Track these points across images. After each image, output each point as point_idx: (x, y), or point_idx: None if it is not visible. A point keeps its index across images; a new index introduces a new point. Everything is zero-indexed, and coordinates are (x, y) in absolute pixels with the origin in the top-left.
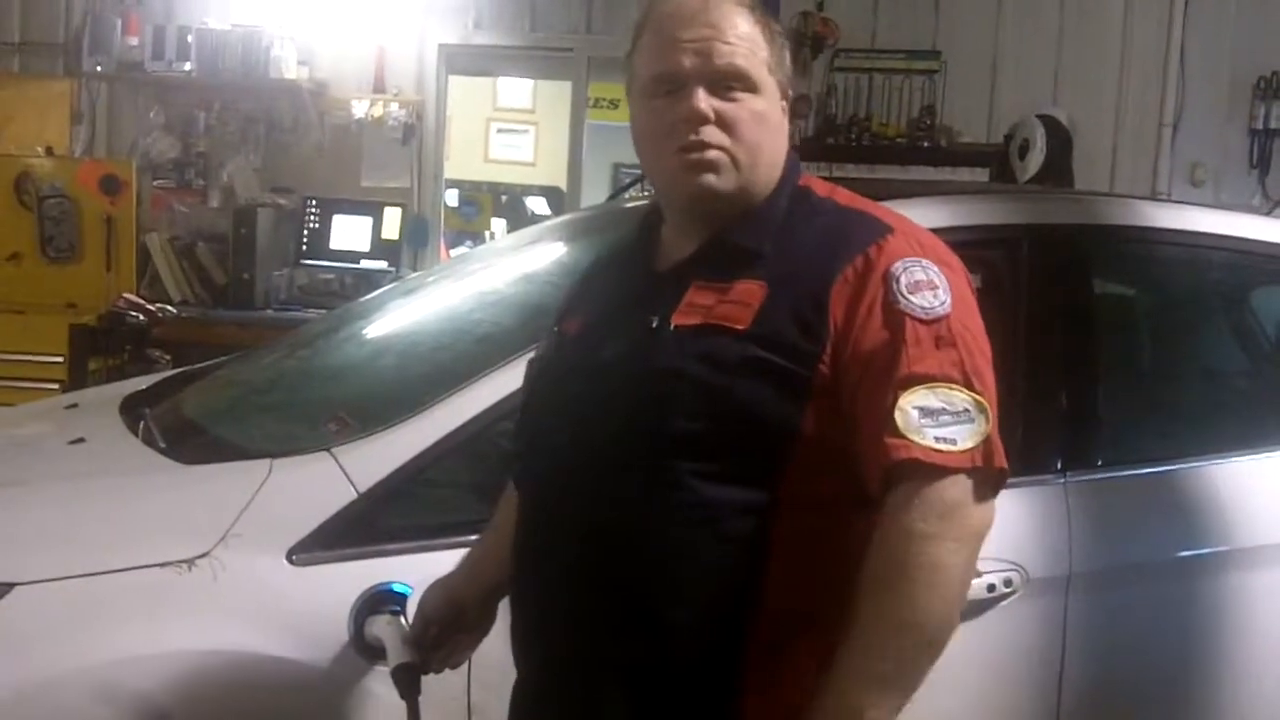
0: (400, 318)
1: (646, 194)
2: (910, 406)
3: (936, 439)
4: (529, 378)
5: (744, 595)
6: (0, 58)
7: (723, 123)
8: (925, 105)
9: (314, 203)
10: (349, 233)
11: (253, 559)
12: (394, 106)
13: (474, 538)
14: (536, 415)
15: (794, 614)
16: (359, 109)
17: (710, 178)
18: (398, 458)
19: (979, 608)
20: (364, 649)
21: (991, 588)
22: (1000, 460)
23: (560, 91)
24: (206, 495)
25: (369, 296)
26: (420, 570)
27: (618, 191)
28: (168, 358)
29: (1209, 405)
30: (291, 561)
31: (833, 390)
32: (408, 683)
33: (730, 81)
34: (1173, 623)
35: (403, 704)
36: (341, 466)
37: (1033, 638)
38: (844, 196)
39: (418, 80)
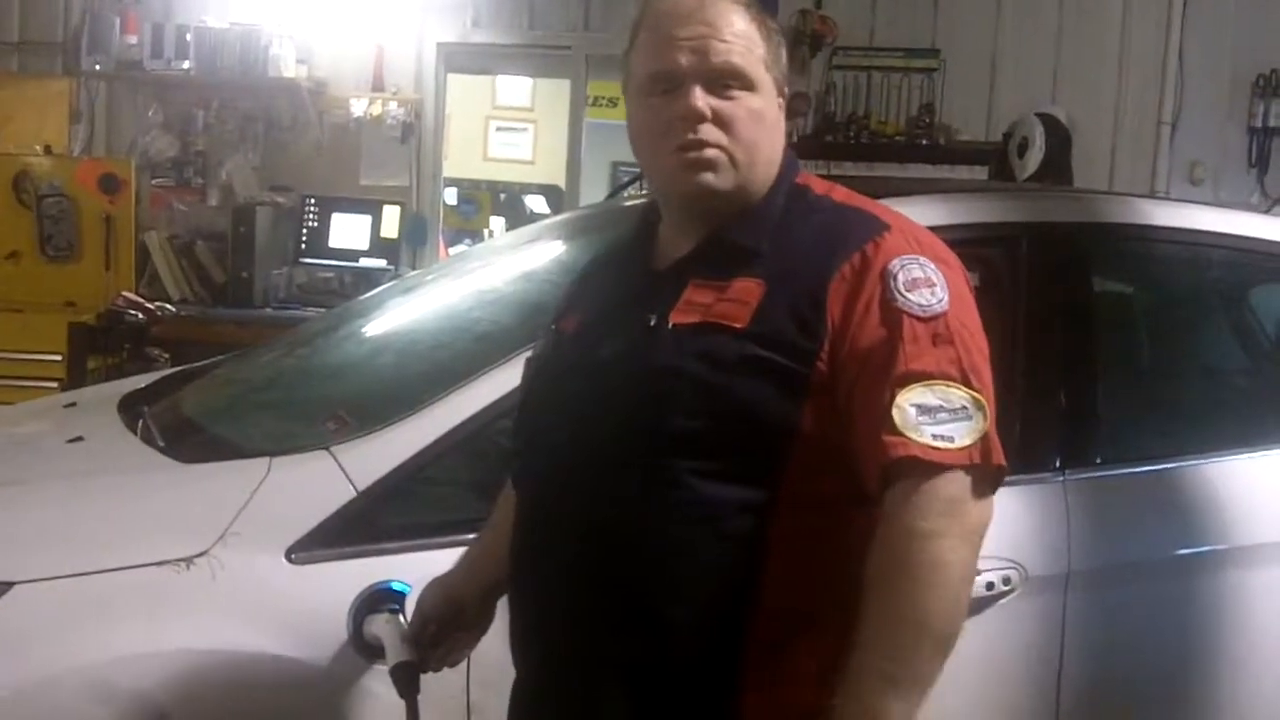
0: (399, 316)
1: (645, 192)
2: (908, 404)
3: (934, 436)
4: (527, 376)
5: (743, 594)
6: None
7: (720, 121)
8: (924, 103)
9: (313, 201)
10: (348, 231)
11: (251, 558)
12: (393, 105)
13: (473, 536)
14: (535, 414)
15: (793, 612)
16: (358, 107)
17: (708, 176)
18: (396, 456)
19: (978, 606)
20: (363, 647)
21: (990, 586)
22: (998, 457)
23: (559, 90)
24: (205, 494)
25: (368, 295)
26: (419, 569)
27: (616, 190)
28: (166, 356)
29: (1208, 403)
30: (290, 560)
31: (831, 388)
32: (406, 681)
33: (727, 79)
34: (1171, 621)
35: (401, 702)
36: (340, 465)
37: (1032, 635)
38: (841, 194)
39: (416, 78)
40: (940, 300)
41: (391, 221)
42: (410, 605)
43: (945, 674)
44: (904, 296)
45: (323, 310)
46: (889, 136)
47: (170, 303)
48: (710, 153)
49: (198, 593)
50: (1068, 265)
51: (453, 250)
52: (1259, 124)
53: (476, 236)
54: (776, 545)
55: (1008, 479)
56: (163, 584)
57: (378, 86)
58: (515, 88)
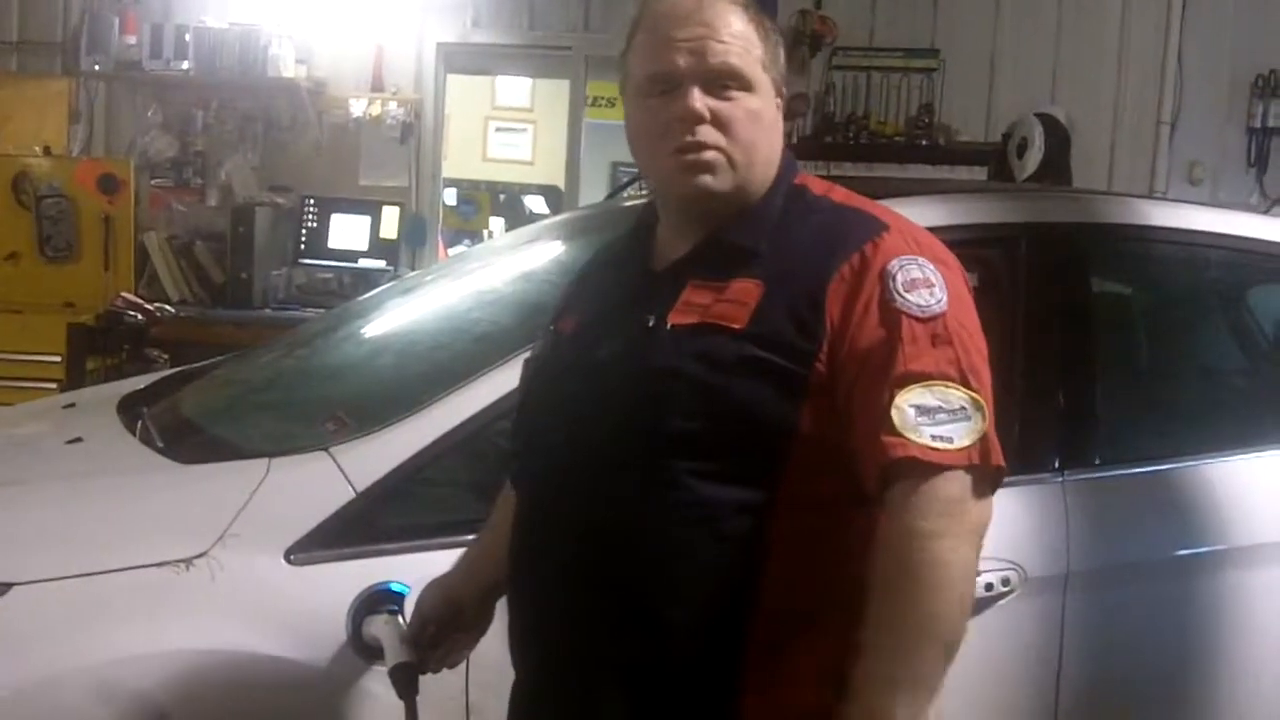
0: (398, 317)
1: (644, 193)
2: (907, 404)
3: (933, 437)
4: (525, 377)
5: (742, 595)
6: None
7: (718, 122)
8: (923, 103)
9: (312, 202)
10: (347, 232)
11: (251, 558)
12: (392, 105)
13: (471, 537)
14: (533, 415)
15: (792, 613)
16: (357, 108)
17: (706, 178)
18: (395, 457)
19: (977, 607)
20: (362, 648)
21: (989, 586)
22: (997, 458)
23: (558, 90)
24: (204, 495)
25: (367, 296)
26: (418, 570)
27: (616, 190)
28: (165, 357)
29: (1206, 404)
30: (289, 561)
31: (830, 389)
32: (405, 682)
33: (725, 80)
34: (1170, 621)
35: (400, 703)
36: (339, 466)
37: (1030, 636)
38: (840, 194)
39: (416, 79)
40: (939, 301)
41: (391, 222)
42: (409, 606)
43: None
44: (903, 297)
45: (322, 311)
46: (888, 137)
47: (169, 303)
48: (708, 155)
49: (197, 594)
50: (1066, 266)
51: (452, 251)
52: (1258, 124)
53: (476, 237)
54: (775, 546)
55: (1006, 480)
56: (162, 585)
57: (377, 87)
58: (515, 88)
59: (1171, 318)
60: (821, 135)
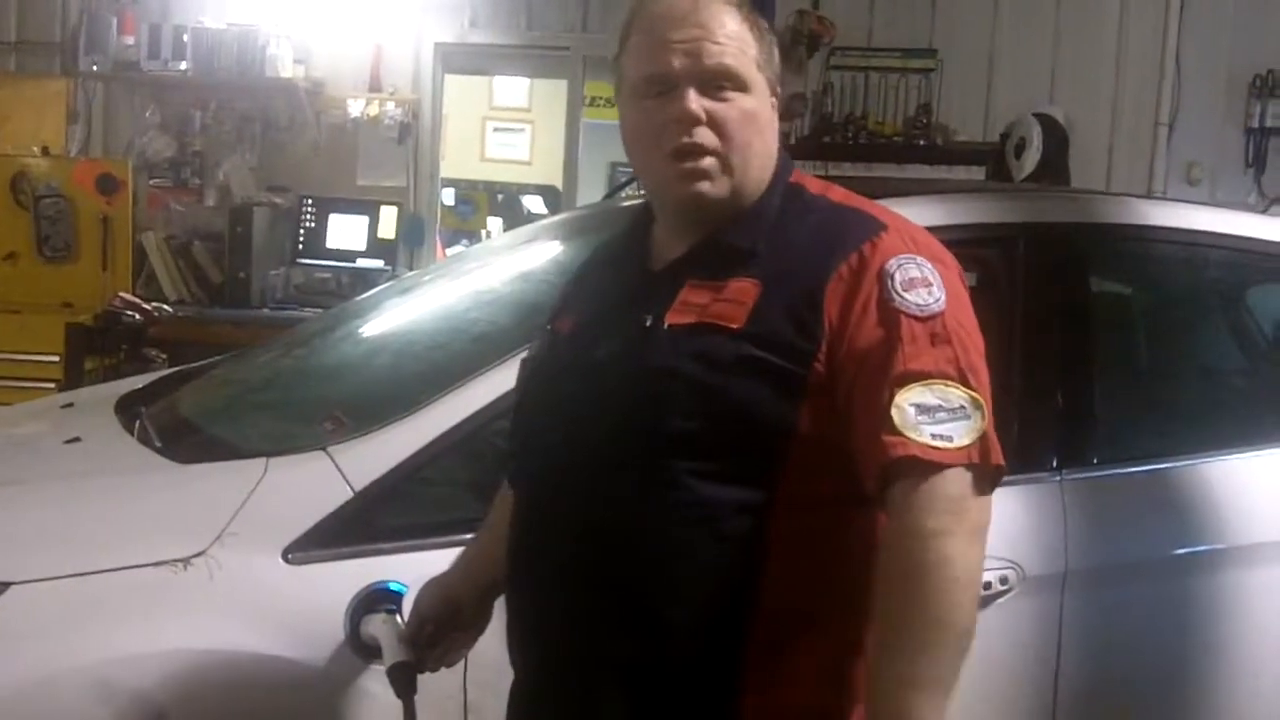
0: (396, 317)
1: (642, 193)
2: (907, 404)
3: (933, 436)
4: (522, 377)
5: (742, 594)
6: None
7: (714, 123)
8: (921, 104)
9: (310, 201)
10: (345, 232)
11: (248, 558)
12: (390, 105)
13: (470, 536)
14: (530, 415)
15: (792, 613)
16: (355, 108)
17: (704, 185)
18: (393, 457)
19: None
20: (360, 648)
21: (988, 586)
22: (997, 457)
23: (556, 90)
24: (202, 494)
25: (365, 295)
26: (416, 569)
27: (613, 190)
28: (164, 357)
29: (1205, 403)
30: (287, 560)
31: (828, 388)
32: (403, 681)
33: (720, 81)
34: (1169, 620)
35: (398, 703)
36: (337, 465)
37: (1029, 635)
38: (837, 194)
39: (414, 79)
40: (937, 300)
41: (389, 222)
42: (407, 605)
43: None
44: (901, 296)
45: (320, 311)
46: (886, 137)
47: (167, 303)
48: (706, 162)
49: (195, 593)
50: (1065, 265)
51: (450, 251)
52: (1256, 124)
53: (474, 237)
54: (775, 546)
55: (1005, 479)
56: (160, 584)
57: (375, 87)
58: (512, 88)
59: (1170, 317)
60: (819, 135)
